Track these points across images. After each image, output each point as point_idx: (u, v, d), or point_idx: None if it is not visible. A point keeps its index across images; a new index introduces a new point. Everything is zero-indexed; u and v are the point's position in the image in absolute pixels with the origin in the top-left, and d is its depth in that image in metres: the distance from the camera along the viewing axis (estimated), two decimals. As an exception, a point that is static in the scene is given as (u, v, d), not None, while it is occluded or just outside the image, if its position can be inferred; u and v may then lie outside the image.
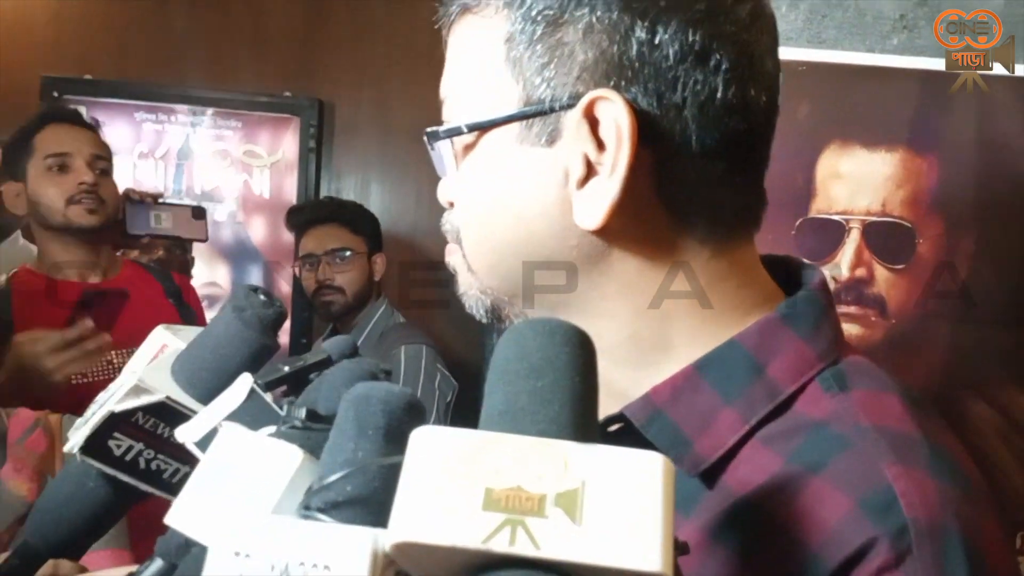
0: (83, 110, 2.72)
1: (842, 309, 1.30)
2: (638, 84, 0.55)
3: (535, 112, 0.57)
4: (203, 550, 0.38)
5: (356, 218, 2.48)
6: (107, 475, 0.59)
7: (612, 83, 0.55)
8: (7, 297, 1.86)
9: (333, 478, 0.38)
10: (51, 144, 1.93)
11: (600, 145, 0.56)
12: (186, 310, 2.03)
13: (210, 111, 3.18)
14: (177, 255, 2.45)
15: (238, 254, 3.11)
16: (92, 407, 0.59)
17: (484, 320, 0.65)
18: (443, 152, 0.62)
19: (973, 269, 1.31)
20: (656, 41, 0.55)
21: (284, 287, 3.05)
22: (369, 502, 0.36)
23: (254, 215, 3.18)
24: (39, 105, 3.02)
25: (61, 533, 0.61)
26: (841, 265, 1.30)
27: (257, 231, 3.13)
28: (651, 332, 0.60)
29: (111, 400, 0.58)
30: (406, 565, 0.34)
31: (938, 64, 1.30)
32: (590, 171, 0.57)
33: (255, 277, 3.14)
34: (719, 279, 0.60)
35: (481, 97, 0.60)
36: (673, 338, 0.60)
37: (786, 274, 0.65)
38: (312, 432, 0.45)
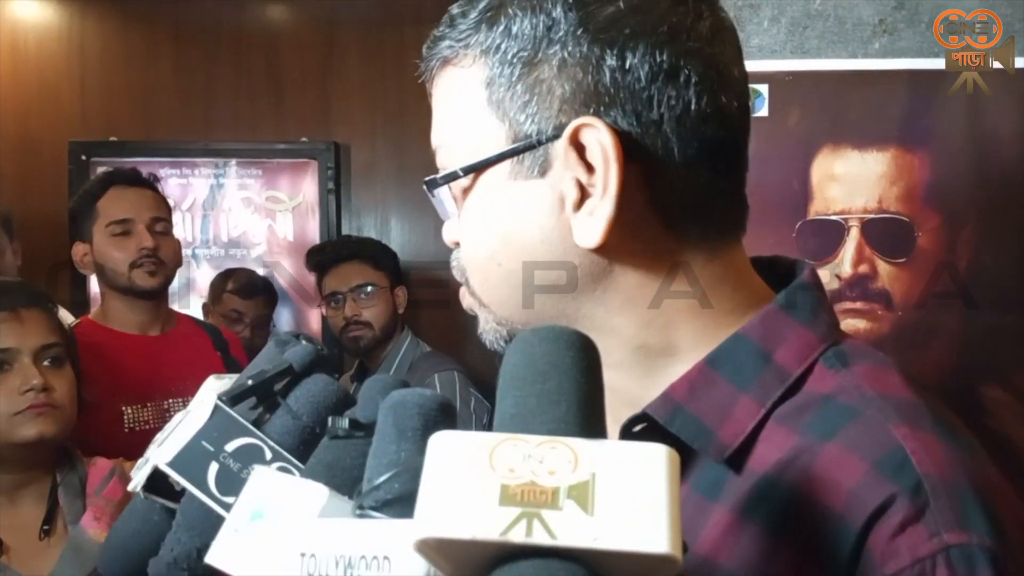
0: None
1: (848, 305, 1.35)
2: (616, 107, 0.59)
3: (524, 147, 0.61)
4: None
5: (376, 253, 2.54)
6: (170, 509, 0.59)
7: (592, 110, 0.60)
8: (73, 346, 1.95)
9: (381, 479, 0.42)
10: (113, 210, 2.02)
11: (589, 168, 0.60)
12: (232, 362, 2.13)
13: (231, 162, 3.29)
14: (259, 333, 2.75)
15: (268, 297, 3.20)
16: (151, 447, 0.61)
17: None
18: (443, 197, 0.67)
19: (974, 257, 1.35)
20: (627, 66, 0.59)
21: (314, 326, 3.13)
22: (415, 497, 0.38)
23: (280, 258, 3.28)
24: (69, 170, 3.15)
25: (130, 568, 0.62)
26: (844, 263, 1.34)
27: (284, 273, 3.23)
28: (657, 340, 0.64)
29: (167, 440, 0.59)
30: (433, 561, 0.36)
31: (920, 64, 1.34)
32: (583, 193, 0.61)
33: (285, 318, 3.23)
34: (716, 282, 0.64)
35: (471, 141, 0.64)
36: (678, 343, 0.64)
37: (775, 273, 0.69)
38: (340, 453, 0.48)
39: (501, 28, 0.62)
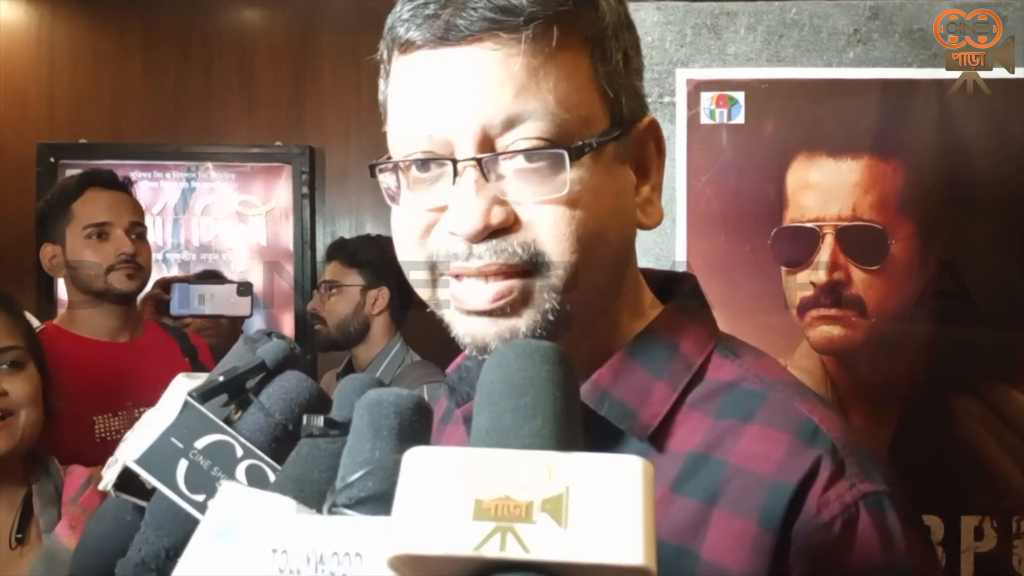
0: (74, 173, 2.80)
1: (823, 312, 1.36)
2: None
3: (622, 132, 0.67)
4: None
5: (350, 253, 2.52)
6: (143, 508, 0.58)
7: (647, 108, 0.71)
8: (37, 347, 1.88)
9: (354, 477, 0.42)
10: (91, 213, 1.98)
11: (647, 157, 0.71)
12: (200, 367, 2.10)
13: (203, 165, 3.26)
14: (227, 325, 2.65)
15: (240, 302, 3.16)
16: (121, 445, 0.60)
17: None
18: (548, 168, 0.63)
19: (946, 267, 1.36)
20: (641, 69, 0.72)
21: (287, 331, 3.10)
22: (389, 496, 0.38)
23: (253, 263, 3.25)
24: (37, 172, 3.10)
25: (104, 570, 0.59)
26: (819, 270, 1.35)
27: (257, 278, 3.19)
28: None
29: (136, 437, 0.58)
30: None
31: (893, 73, 1.36)
32: (640, 180, 0.71)
33: (258, 324, 3.20)
34: (639, 281, 0.76)
35: (579, 116, 0.64)
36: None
37: (648, 280, 0.78)
38: (309, 467, 0.48)
39: (598, 12, 0.66)
